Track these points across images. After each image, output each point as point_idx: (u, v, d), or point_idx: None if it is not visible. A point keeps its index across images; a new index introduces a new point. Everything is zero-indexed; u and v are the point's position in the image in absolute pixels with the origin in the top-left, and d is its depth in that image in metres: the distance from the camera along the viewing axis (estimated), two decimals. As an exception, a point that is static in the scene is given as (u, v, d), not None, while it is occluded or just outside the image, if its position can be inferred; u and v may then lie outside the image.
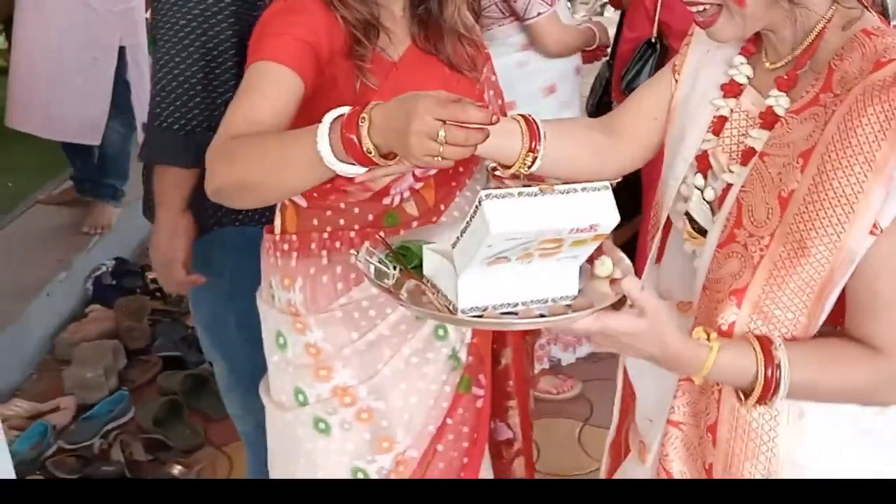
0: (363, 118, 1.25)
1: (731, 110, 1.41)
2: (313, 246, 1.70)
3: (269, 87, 1.48)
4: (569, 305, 1.23)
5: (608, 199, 1.16)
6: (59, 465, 3.01)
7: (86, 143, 4.12)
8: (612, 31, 3.25)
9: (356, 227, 1.68)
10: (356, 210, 1.67)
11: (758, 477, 1.33)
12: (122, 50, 4.02)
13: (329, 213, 1.69)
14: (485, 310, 1.21)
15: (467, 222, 1.13)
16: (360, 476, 1.76)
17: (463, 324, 1.35)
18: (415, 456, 1.75)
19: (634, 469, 1.57)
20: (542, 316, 1.23)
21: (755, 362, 1.24)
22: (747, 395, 1.27)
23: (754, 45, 1.42)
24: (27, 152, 4.61)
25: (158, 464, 3.01)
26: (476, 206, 1.11)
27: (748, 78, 1.41)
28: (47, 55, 3.96)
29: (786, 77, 1.33)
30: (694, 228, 1.43)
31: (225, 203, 1.49)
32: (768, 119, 1.34)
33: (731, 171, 1.37)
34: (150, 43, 2.11)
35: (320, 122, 1.30)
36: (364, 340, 1.70)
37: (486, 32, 2.91)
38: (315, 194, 1.68)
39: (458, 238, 1.16)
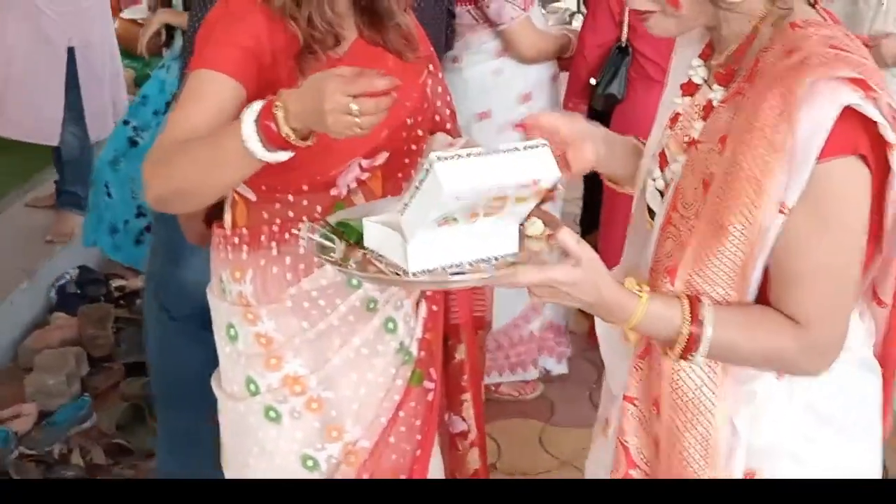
0: (277, 105, 1.36)
1: (685, 107, 1.48)
2: (263, 238, 1.73)
3: (209, 96, 1.54)
4: (513, 263, 1.30)
5: (548, 155, 1.23)
6: (20, 471, 3.00)
7: (43, 144, 4.17)
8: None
9: (304, 218, 1.70)
10: (304, 202, 1.70)
11: (697, 447, 1.39)
12: (71, 51, 4.07)
13: (278, 205, 1.72)
14: (433, 271, 1.26)
15: (416, 188, 1.19)
16: (310, 464, 1.78)
17: (414, 285, 1.41)
18: (366, 446, 1.78)
19: (599, 440, 1.67)
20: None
21: (681, 317, 1.31)
22: (671, 348, 1.34)
23: (711, 49, 1.48)
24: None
25: (119, 468, 3.01)
26: (426, 170, 1.16)
27: (704, 79, 1.47)
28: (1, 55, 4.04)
29: (723, 72, 1.40)
30: (650, 215, 1.50)
31: (166, 210, 1.56)
32: (707, 111, 1.41)
33: (676, 161, 1.44)
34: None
35: None
36: (314, 330, 1.73)
37: (461, 40, 2.93)
38: (263, 187, 1.71)
39: (404, 205, 1.22)
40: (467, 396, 2.04)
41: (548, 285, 1.26)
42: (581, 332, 3.66)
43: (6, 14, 4.02)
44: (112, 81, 4.38)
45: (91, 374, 3.53)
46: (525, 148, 1.22)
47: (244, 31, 1.57)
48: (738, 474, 1.41)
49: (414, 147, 1.79)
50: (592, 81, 3.09)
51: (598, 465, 1.63)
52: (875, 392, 1.49)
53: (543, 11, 3.31)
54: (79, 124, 4.16)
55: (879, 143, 1.27)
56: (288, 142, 1.37)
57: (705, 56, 1.48)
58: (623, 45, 3.01)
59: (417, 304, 1.83)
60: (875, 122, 1.25)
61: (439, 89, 1.90)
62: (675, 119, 1.48)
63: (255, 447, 1.80)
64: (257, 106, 1.39)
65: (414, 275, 1.26)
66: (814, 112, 1.24)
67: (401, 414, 1.80)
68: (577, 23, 7.92)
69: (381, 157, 1.71)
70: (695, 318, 1.31)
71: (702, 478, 1.40)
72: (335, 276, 1.70)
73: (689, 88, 1.48)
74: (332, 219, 1.45)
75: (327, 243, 1.37)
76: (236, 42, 1.56)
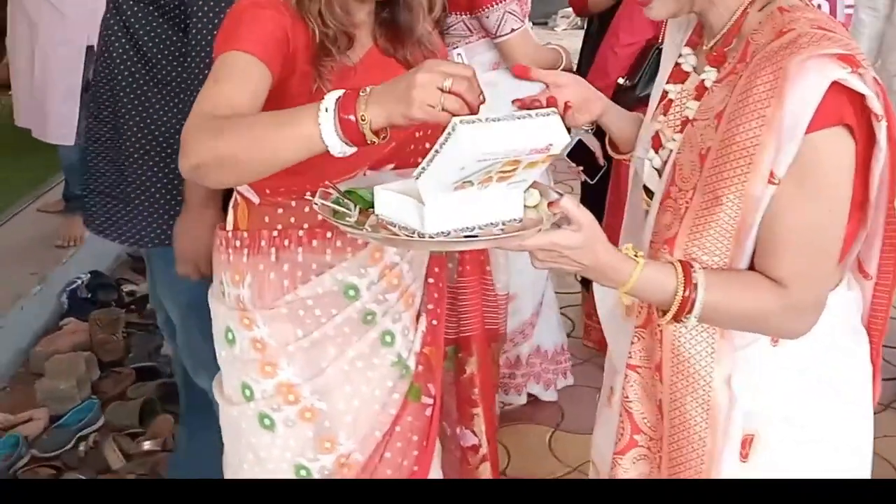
0: (364, 89, 1.34)
1: (676, 94, 1.55)
2: (263, 243, 1.73)
3: (245, 76, 1.51)
4: (519, 229, 1.35)
5: (558, 122, 1.29)
6: (31, 476, 3.01)
7: (60, 144, 4.18)
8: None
9: (305, 225, 1.72)
10: (306, 209, 1.70)
11: (698, 410, 1.46)
12: (90, 50, 4.03)
13: (280, 210, 1.73)
14: (448, 234, 1.30)
15: (436, 151, 1.23)
16: (304, 474, 1.78)
17: (429, 246, 1.42)
18: (360, 460, 1.78)
19: (604, 412, 1.76)
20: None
21: (675, 280, 1.38)
22: (665, 311, 1.40)
23: (699, 37, 1.57)
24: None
25: (132, 465, 3.04)
26: (448, 133, 1.20)
27: (693, 67, 1.55)
28: (30, 57, 4.10)
29: (715, 54, 1.48)
30: (648, 195, 1.58)
31: (199, 181, 1.51)
32: (700, 91, 1.50)
33: (672, 140, 1.51)
34: None
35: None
36: (308, 339, 1.73)
37: (453, 51, 2.84)
38: (267, 191, 1.72)
39: (422, 169, 1.25)
40: (478, 410, 2.05)
41: (550, 249, 1.32)
42: (590, 341, 3.68)
43: (28, 15, 4.06)
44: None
45: (101, 378, 3.55)
46: (537, 115, 1.28)
47: (271, 21, 1.57)
48: (736, 437, 1.48)
49: (420, 160, 1.79)
50: (619, 81, 3.01)
51: (605, 437, 1.69)
52: (864, 358, 1.57)
53: (547, 29, 3.24)
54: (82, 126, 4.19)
55: (864, 116, 1.35)
56: (361, 130, 1.33)
57: (693, 44, 1.57)
58: (662, 45, 2.96)
59: (417, 317, 1.83)
60: (861, 96, 1.33)
61: None
62: (668, 106, 1.56)
63: (249, 453, 1.82)
64: (340, 92, 1.36)
65: (430, 236, 1.29)
66: (803, 87, 1.31)
67: (397, 429, 1.80)
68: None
69: (388, 168, 1.72)
70: (688, 282, 1.38)
71: (704, 440, 1.47)
72: (332, 286, 1.71)
73: (680, 76, 1.56)
74: (342, 186, 1.46)
75: (341, 209, 1.39)
76: (265, 29, 1.55)
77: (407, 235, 1.32)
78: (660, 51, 2.94)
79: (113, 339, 3.69)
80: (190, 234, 2.11)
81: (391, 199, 1.35)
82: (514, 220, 1.35)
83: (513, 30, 2.75)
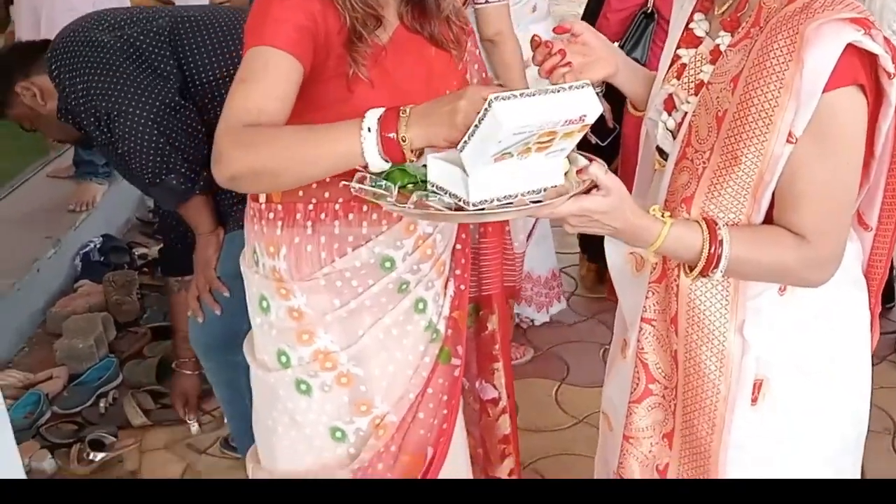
0: (404, 110, 1.40)
1: (691, 58, 1.61)
2: (298, 216, 1.76)
3: (274, 74, 1.54)
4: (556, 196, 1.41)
5: (591, 94, 1.35)
6: (53, 431, 3.11)
7: None
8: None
9: (340, 199, 1.74)
10: (341, 184, 1.71)
11: (712, 359, 1.54)
12: None
13: (314, 185, 1.73)
14: (490, 202, 1.39)
15: (475, 126, 1.30)
16: (339, 436, 1.84)
17: (468, 218, 1.50)
18: (394, 421, 1.84)
19: (616, 364, 1.82)
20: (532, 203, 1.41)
21: (701, 238, 1.46)
22: (692, 268, 1.48)
23: (710, 3, 1.62)
24: (12, 136, 4.68)
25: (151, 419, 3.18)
26: (485, 109, 1.28)
27: (706, 32, 1.61)
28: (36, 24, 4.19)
29: (729, 19, 1.55)
30: (661, 156, 1.64)
31: (235, 188, 1.56)
32: (716, 55, 1.55)
33: (687, 103, 1.58)
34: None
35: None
36: (346, 308, 1.77)
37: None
38: None
39: (464, 143, 1.33)
40: (499, 365, 2.12)
41: (581, 215, 1.39)
42: (596, 294, 3.78)
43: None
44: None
45: (118, 338, 3.64)
46: (571, 88, 1.34)
47: (301, 10, 1.58)
48: (748, 382, 1.57)
49: None
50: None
51: (618, 388, 1.77)
52: (864, 304, 1.67)
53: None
54: None
55: (874, 76, 1.42)
56: (401, 149, 1.40)
57: (704, 9, 1.62)
58: (649, 10, 3.02)
59: (446, 283, 1.88)
60: (873, 56, 1.40)
61: (476, 66, 1.94)
62: (681, 70, 1.62)
63: (284, 417, 1.86)
64: (380, 111, 1.42)
65: (475, 205, 1.37)
66: (820, 50, 1.38)
67: (429, 390, 1.86)
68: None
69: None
70: (713, 239, 1.45)
71: (718, 387, 1.55)
72: (369, 259, 1.75)
73: (692, 41, 1.62)
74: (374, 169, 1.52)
75: (380, 191, 1.46)
76: (294, 20, 1.56)
77: (447, 210, 1.41)
78: (645, 15, 3.05)
79: (128, 299, 3.77)
80: (203, 258, 2.45)
81: (442, 167, 1.42)
82: (554, 186, 1.42)
83: (487, 1, 2.78)
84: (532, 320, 3.58)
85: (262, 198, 1.81)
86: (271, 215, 1.79)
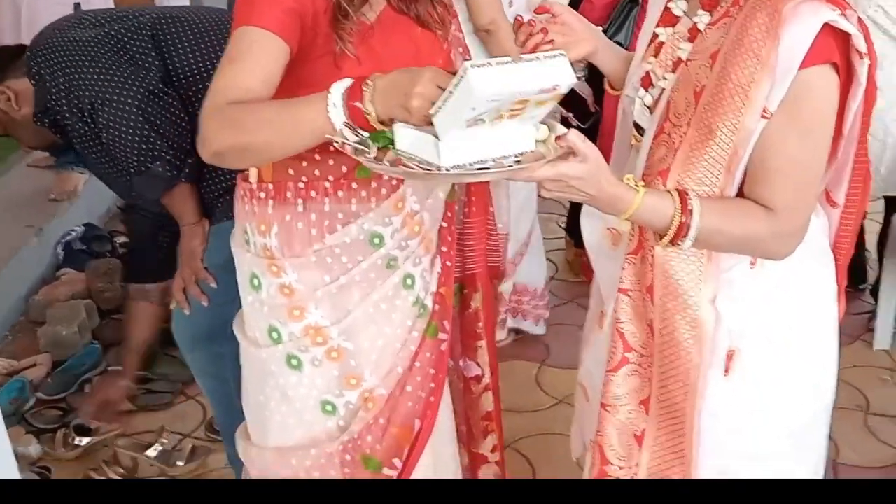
0: (367, 84, 1.45)
1: (669, 36, 1.66)
2: (289, 194, 1.80)
3: (260, 53, 1.59)
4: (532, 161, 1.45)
5: (565, 63, 1.38)
6: (38, 417, 3.13)
7: None
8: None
9: (330, 177, 1.78)
10: (331, 161, 1.77)
11: (686, 328, 1.60)
12: (77, 7, 4.12)
13: (304, 163, 1.78)
14: (462, 166, 1.42)
15: (450, 92, 1.34)
16: (329, 408, 1.88)
17: (445, 178, 1.53)
18: (383, 394, 1.88)
19: (593, 336, 1.89)
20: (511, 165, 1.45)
21: (672, 207, 1.51)
22: (663, 235, 1.53)
23: None
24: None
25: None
26: (460, 76, 1.31)
27: (683, 11, 1.65)
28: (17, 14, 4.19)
29: None
30: (637, 131, 1.69)
31: (221, 164, 1.62)
32: (693, 34, 1.60)
33: (664, 79, 1.63)
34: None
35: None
36: (336, 284, 1.82)
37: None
38: None
39: (438, 108, 1.36)
40: (482, 343, 2.15)
41: (558, 179, 1.43)
42: (574, 279, 3.82)
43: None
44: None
45: (101, 325, 3.65)
46: (545, 58, 1.38)
47: None
48: (721, 352, 1.63)
49: None
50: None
51: (595, 359, 1.82)
52: (830, 277, 1.73)
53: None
54: None
55: (846, 56, 1.47)
56: (368, 121, 1.46)
57: None
58: None
59: (433, 260, 1.92)
60: (847, 36, 1.45)
61: (460, 49, 1.98)
62: (658, 48, 1.66)
63: (276, 392, 1.90)
64: (346, 83, 1.47)
65: (446, 169, 1.41)
66: (797, 28, 1.43)
67: (416, 364, 1.90)
68: None
69: None
70: (684, 208, 1.50)
71: (691, 354, 1.60)
72: (358, 235, 1.80)
73: (670, 19, 1.66)
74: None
75: (361, 146, 1.50)
76: (282, 1, 1.60)
77: (423, 168, 1.44)
78: (630, 2, 3.08)
79: (110, 287, 3.76)
80: (188, 248, 2.46)
81: (410, 135, 1.45)
82: (525, 153, 1.46)
83: None
84: (525, 332, 3.57)
85: (253, 177, 1.85)
86: (262, 194, 1.83)
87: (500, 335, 3.40)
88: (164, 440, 2.98)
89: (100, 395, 3.10)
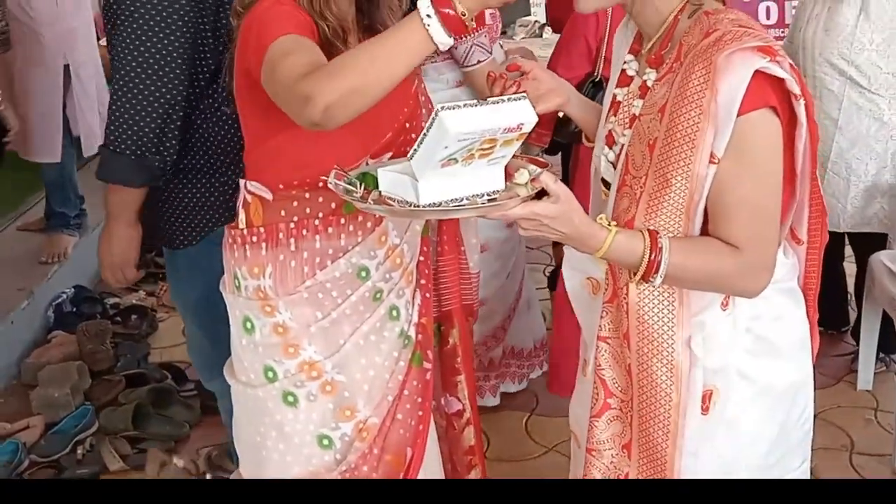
0: None
1: (623, 96, 1.76)
2: (281, 236, 1.88)
3: (306, 42, 1.71)
4: (506, 199, 1.54)
5: (527, 105, 1.48)
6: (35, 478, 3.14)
7: (45, 162, 4.29)
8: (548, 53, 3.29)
9: (320, 214, 1.87)
10: (320, 198, 1.87)
11: (663, 370, 1.65)
12: (66, 69, 4.24)
13: (295, 203, 1.88)
14: (439, 204, 1.51)
15: (423, 135, 1.43)
16: (325, 442, 1.94)
17: (424, 214, 1.65)
18: (376, 423, 1.95)
19: (580, 383, 1.93)
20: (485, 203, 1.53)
21: (643, 245, 1.57)
22: (634, 273, 1.59)
23: (639, 45, 1.76)
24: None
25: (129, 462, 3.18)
26: (432, 119, 1.41)
27: (636, 71, 1.74)
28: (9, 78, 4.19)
29: (654, 56, 1.68)
30: (605, 186, 1.78)
31: (333, 120, 1.61)
32: (644, 90, 1.69)
33: (624, 136, 1.72)
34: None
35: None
36: (328, 319, 1.89)
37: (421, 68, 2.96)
38: (280, 186, 1.88)
39: (414, 150, 1.46)
40: (461, 378, 2.22)
41: (532, 218, 1.50)
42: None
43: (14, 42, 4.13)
44: (101, 99, 4.40)
45: (93, 386, 3.65)
46: (509, 100, 1.48)
47: (296, 16, 1.76)
48: (698, 392, 1.67)
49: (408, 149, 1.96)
50: (560, 114, 3.15)
51: (582, 405, 1.86)
52: (802, 316, 1.79)
53: (501, 44, 3.25)
54: (65, 144, 4.31)
55: (786, 99, 1.56)
56: (463, 22, 1.54)
57: (634, 51, 1.76)
58: (597, 79, 2.99)
59: (414, 292, 2.00)
60: (782, 81, 1.54)
61: (422, 98, 2.07)
62: (617, 107, 1.75)
63: (272, 430, 1.95)
64: None
65: (424, 207, 1.51)
66: (732, 77, 1.52)
67: (405, 392, 1.98)
68: (547, 35, 8.18)
69: (386, 157, 1.90)
70: (654, 246, 1.57)
71: (670, 395, 1.64)
72: (347, 269, 1.88)
73: (625, 80, 1.76)
74: (353, 173, 1.67)
75: (350, 188, 1.61)
76: (294, 18, 1.75)
77: (404, 207, 1.53)
78: (594, 84, 3.08)
79: (101, 348, 3.79)
80: (115, 247, 2.34)
81: (392, 177, 1.56)
82: (496, 191, 1.54)
83: (479, 61, 2.87)
84: (509, 392, 3.51)
85: (243, 223, 1.93)
86: (254, 238, 1.90)
87: (493, 401, 3.39)
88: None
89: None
